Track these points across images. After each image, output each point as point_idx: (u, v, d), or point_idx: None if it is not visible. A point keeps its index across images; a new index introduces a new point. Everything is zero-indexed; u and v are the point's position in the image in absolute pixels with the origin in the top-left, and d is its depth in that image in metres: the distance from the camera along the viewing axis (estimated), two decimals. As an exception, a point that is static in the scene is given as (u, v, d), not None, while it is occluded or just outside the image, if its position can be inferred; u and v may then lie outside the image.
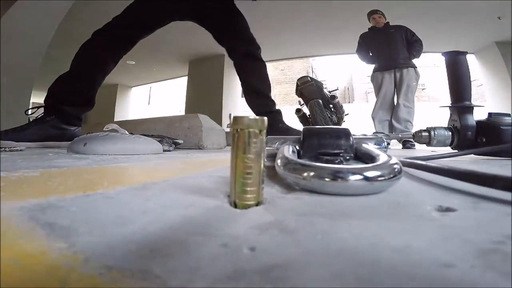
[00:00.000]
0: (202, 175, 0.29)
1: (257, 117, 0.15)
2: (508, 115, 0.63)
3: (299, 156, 0.31)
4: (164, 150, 0.74)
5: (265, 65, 1.32)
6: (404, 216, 0.14)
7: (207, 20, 1.25)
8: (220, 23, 1.24)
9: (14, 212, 0.14)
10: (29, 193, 0.18)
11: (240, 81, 1.31)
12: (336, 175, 0.18)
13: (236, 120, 0.15)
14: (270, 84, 1.33)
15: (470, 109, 0.68)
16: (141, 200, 0.17)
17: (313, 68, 13.12)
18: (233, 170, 0.15)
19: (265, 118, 0.15)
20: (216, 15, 1.23)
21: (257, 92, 1.28)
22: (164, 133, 1.00)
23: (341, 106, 2.10)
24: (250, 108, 1.29)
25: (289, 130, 1.17)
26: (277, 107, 1.30)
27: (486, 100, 3.93)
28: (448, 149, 0.70)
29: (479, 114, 0.69)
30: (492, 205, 0.16)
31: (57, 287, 0.07)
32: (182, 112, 5.15)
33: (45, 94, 1.05)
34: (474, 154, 0.59)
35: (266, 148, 0.36)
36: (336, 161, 0.28)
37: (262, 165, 0.15)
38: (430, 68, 12.58)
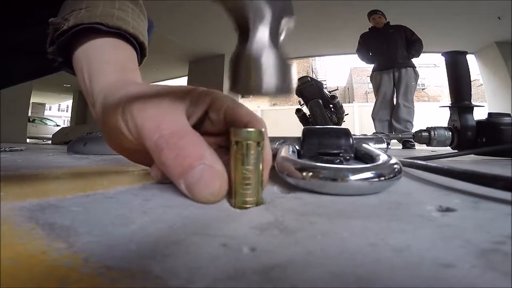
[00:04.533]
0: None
1: (254, 129, 0.15)
2: (508, 115, 0.63)
3: (299, 156, 0.31)
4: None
5: None
6: (404, 216, 0.14)
7: None
8: None
9: (14, 212, 0.14)
10: (29, 193, 0.18)
11: None
12: (336, 175, 0.18)
13: (234, 132, 0.15)
14: None
15: (470, 109, 0.68)
16: (141, 200, 0.17)
17: (313, 68, 13.12)
18: (233, 181, 0.15)
19: (263, 129, 0.15)
20: None
21: None
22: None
23: (341, 106, 2.10)
24: None
25: None
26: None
27: (486, 100, 3.93)
28: (448, 149, 0.70)
29: (479, 114, 0.69)
30: (492, 205, 0.16)
31: (57, 287, 0.07)
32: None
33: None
34: (474, 154, 0.59)
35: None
36: (336, 161, 0.28)
37: (260, 175, 0.15)
38: (430, 68, 12.58)
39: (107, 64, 0.27)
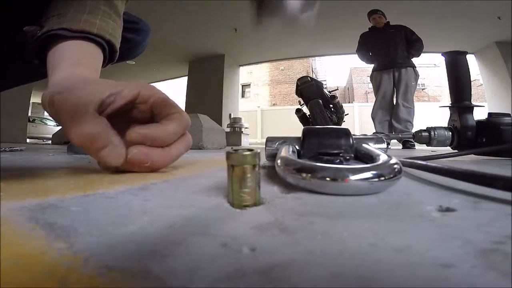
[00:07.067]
0: (202, 175, 0.29)
1: (250, 152, 0.15)
2: (508, 115, 0.63)
3: (299, 156, 0.31)
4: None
5: None
6: (404, 216, 0.14)
7: None
8: None
9: (14, 212, 0.14)
10: (29, 193, 0.18)
11: None
12: (336, 175, 0.18)
13: (230, 156, 0.15)
14: None
15: (470, 109, 0.68)
16: (141, 200, 0.17)
17: (313, 68, 13.11)
18: (231, 201, 0.15)
19: (258, 151, 0.15)
20: None
21: None
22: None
23: (341, 106, 2.10)
24: None
25: None
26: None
27: (486, 100, 3.93)
28: (448, 149, 0.70)
29: (479, 114, 0.69)
30: (492, 205, 0.16)
31: (57, 287, 0.07)
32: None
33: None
34: (474, 154, 0.59)
35: (266, 148, 0.36)
36: (336, 161, 0.28)
37: (258, 197, 0.15)
38: (430, 68, 12.58)
39: (64, 61, 0.31)
